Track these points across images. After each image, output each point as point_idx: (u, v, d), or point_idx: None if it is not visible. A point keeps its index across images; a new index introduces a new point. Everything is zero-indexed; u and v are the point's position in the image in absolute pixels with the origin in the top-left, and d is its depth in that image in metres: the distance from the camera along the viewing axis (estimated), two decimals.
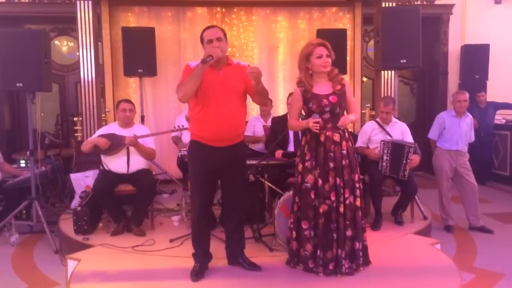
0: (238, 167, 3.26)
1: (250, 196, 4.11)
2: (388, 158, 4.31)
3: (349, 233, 3.16)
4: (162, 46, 6.50)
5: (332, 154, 3.15)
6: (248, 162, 3.95)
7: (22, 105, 7.35)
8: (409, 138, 4.49)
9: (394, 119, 4.61)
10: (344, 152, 3.18)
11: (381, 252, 3.59)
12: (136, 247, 3.80)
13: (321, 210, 3.15)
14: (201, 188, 3.19)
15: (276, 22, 6.93)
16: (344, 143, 3.19)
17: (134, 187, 4.30)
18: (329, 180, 3.15)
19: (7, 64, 4.52)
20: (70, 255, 3.62)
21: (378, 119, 4.63)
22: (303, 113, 3.34)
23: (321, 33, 6.00)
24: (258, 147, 5.69)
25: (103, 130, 4.48)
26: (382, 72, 5.95)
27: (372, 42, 7.28)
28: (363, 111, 6.27)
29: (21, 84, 4.52)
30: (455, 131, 4.77)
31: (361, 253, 3.24)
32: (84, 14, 5.64)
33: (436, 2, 7.68)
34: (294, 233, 3.27)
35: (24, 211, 5.01)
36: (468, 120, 4.83)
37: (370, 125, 4.63)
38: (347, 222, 3.15)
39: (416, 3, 7.59)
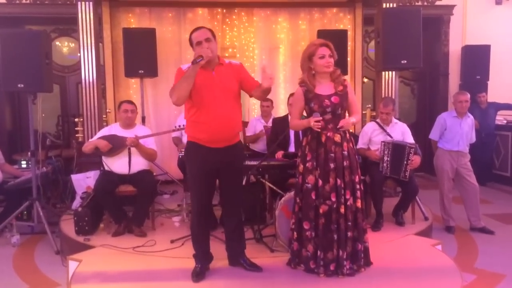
0: (236, 168, 3.26)
1: (250, 196, 4.12)
2: (388, 159, 4.31)
3: (350, 234, 3.16)
4: (163, 47, 6.51)
5: (332, 155, 3.15)
6: (249, 163, 3.96)
7: (23, 105, 7.35)
8: (409, 139, 4.49)
9: (394, 120, 4.61)
10: (345, 153, 3.18)
11: (382, 253, 3.59)
12: (137, 248, 3.80)
13: (321, 211, 3.15)
14: (200, 190, 3.19)
15: (276, 23, 6.94)
16: (345, 144, 3.19)
17: (135, 188, 4.30)
18: (330, 181, 3.14)
19: (8, 65, 4.52)
20: (71, 256, 3.61)
21: (378, 120, 4.63)
22: (305, 114, 3.34)
23: (321, 34, 6.00)
24: (259, 147, 5.71)
25: (104, 131, 4.49)
26: (383, 72, 5.94)
27: (372, 43, 7.30)
28: (363, 112, 6.27)
29: (22, 85, 4.53)
30: (456, 131, 4.77)
31: (362, 254, 3.24)
32: (85, 15, 5.64)
33: (437, 3, 7.68)
34: (295, 233, 3.28)
35: (25, 212, 5.02)
36: (469, 121, 4.83)
37: (371, 126, 4.63)
38: (349, 223, 3.15)
39: (416, 3, 7.59)
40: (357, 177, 3.22)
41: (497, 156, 7.33)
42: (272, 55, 6.96)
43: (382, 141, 4.38)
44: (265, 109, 5.80)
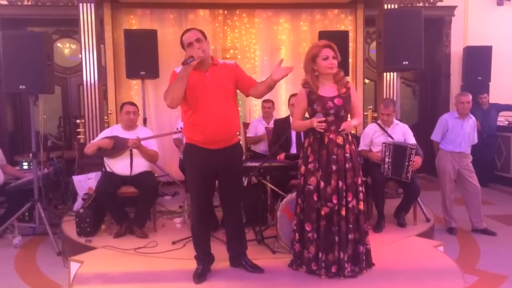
0: (235, 169, 3.24)
1: (252, 198, 4.12)
2: (390, 160, 4.30)
3: (351, 236, 3.16)
4: (165, 48, 6.52)
5: (335, 156, 3.14)
6: (250, 164, 3.97)
7: (25, 107, 7.36)
8: (411, 139, 4.49)
9: (395, 121, 4.61)
10: (347, 155, 3.17)
11: (384, 254, 3.58)
12: (138, 249, 3.80)
13: (322, 213, 3.15)
14: (199, 191, 3.18)
15: (278, 24, 6.94)
16: (347, 146, 3.19)
17: (137, 189, 4.30)
18: (331, 183, 3.14)
19: (10, 66, 4.53)
20: (72, 257, 3.61)
21: (379, 122, 4.63)
22: (307, 115, 3.34)
23: (323, 35, 6.00)
24: (260, 148, 5.71)
25: (106, 133, 4.49)
26: (384, 74, 5.94)
27: (374, 44, 7.28)
28: (365, 113, 6.27)
29: (24, 87, 4.54)
30: (458, 133, 4.76)
31: (364, 257, 3.23)
32: (87, 16, 5.65)
33: (438, 4, 7.68)
34: (297, 235, 3.27)
35: (26, 213, 5.03)
36: (471, 122, 4.82)
37: (372, 128, 4.62)
38: (350, 226, 3.14)
39: (418, 5, 7.59)
40: (359, 179, 3.22)
41: (499, 157, 7.32)
42: (274, 56, 6.96)
43: (383, 143, 4.38)
44: (267, 110, 5.81)
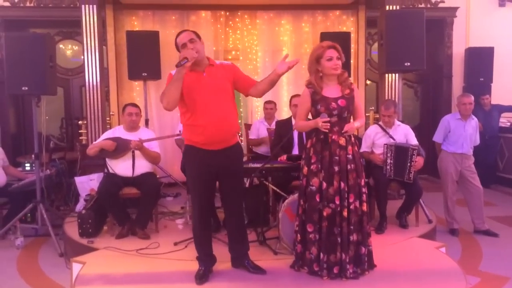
0: (235, 169, 3.24)
1: (254, 199, 4.12)
2: (392, 161, 4.30)
3: (354, 238, 3.15)
4: (167, 50, 6.52)
5: (337, 157, 3.14)
6: (252, 165, 3.97)
7: (27, 108, 7.37)
8: (413, 140, 4.48)
9: (397, 122, 4.60)
10: (350, 156, 3.17)
11: (386, 255, 3.58)
12: (140, 250, 3.80)
13: (324, 214, 3.15)
14: (200, 192, 3.18)
15: (280, 25, 6.95)
16: (350, 147, 3.18)
17: (139, 190, 4.31)
18: (334, 184, 3.14)
19: (12, 68, 4.54)
20: (75, 258, 3.62)
21: (381, 123, 4.63)
22: (310, 116, 3.34)
23: (325, 36, 6.01)
24: (262, 150, 5.71)
25: (108, 134, 4.50)
26: (386, 75, 5.93)
27: (376, 45, 7.30)
28: (367, 114, 6.26)
29: (26, 88, 4.54)
30: (460, 134, 4.76)
31: (366, 258, 3.23)
32: (89, 18, 5.66)
33: (440, 5, 7.67)
34: (299, 236, 3.27)
35: (29, 214, 5.04)
36: (473, 123, 4.82)
37: (373, 129, 4.62)
38: (352, 227, 3.14)
39: (420, 6, 7.59)
40: (362, 180, 3.21)
41: (501, 159, 7.31)
42: (275, 58, 6.94)
43: (385, 144, 4.37)
44: (269, 111, 5.81)
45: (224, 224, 4.01)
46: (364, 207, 3.20)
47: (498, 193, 6.94)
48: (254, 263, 3.33)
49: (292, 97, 4.91)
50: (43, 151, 5.05)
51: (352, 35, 6.68)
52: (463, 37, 7.82)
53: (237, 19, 6.93)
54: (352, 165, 3.17)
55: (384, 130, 4.53)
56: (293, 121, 4.62)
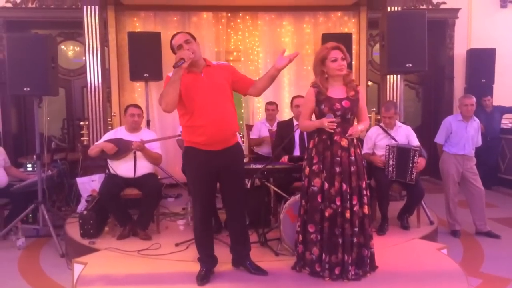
0: (236, 170, 3.23)
1: (255, 200, 4.12)
2: (394, 163, 4.30)
3: (356, 240, 3.15)
4: (168, 51, 6.39)
5: (338, 158, 3.14)
6: (253, 166, 3.96)
7: (29, 109, 7.39)
8: (415, 141, 4.48)
9: (398, 123, 4.60)
10: (352, 158, 3.16)
11: (387, 257, 3.57)
12: (142, 251, 3.80)
13: (326, 214, 3.15)
14: (200, 194, 3.18)
15: (281, 26, 6.94)
16: (352, 149, 3.18)
17: (140, 191, 4.31)
18: (335, 185, 3.14)
19: (14, 68, 4.55)
20: (76, 259, 3.62)
21: (382, 124, 4.62)
22: (313, 117, 3.34)
23: (326, 37, 6.00)
24: (264, 151, 5.71)
25: (110, 134, 4.51)
26: (388, 76, 5.93)
27: (377, 46, 7.28)
28: (368, 115, 6.25)
29: (28, 89, 4.56)
30: (462, 135, 4.75)
31: (368, 260, 3.23)
32: (91, 19, 5.67)
33: (442, 6, 7.67)
34: (300, 236, 3.27)
35: (30, 215, 5.04)
36: (475, 124, 4.82)
37: (375, 131, 4.61)
38: (355, 229, 3.14)
39: (421, 7, 7.58)
40: (364, 182, 3.21)
41: (503, 160, 7.30)
42: None
43: (386, 145, 4.37)
44: (270, 112, 5.81)
45: (226, 225, 4.01)
46: (366, 210, 3.20)
47: (499, 194, 6.93)
48: (255, 264, 3.33)
49: (293, 98, 4.91)
50: (45, 152, 5.05)
51: (354, 36, 6.68)
52: (465, 38, 7.81)
53: (238, 20, 6.94)
54: (354, 167, 3.16)
55: (386, 132, 4.53)
56: (295, 122, 4.62)
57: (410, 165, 4.20)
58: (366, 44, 6.87)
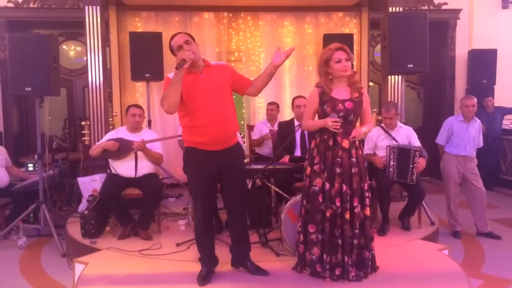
0: (236, 170, 3.23)
1: (256, 200, 4.12)
2: (395, 163, 4.30)
3: (357, 241, 3.15)
4: (169, 51, 6.52)
5: (339, 159, 3.14)
6: (255, 166, 3.97)
7: (30, 109, 7.40)
8: (416, 142, 4.48)
9: (399, 124, 4.60)
10: (354, 159, 3.16)
11: (388, 257, 3.57)
12: (142, 251, 3.81)
13: (327, 214, 3.15)
14: (201, 194, 3.18)
15: (282, 27, 6.95)
16: (353, 151, 3.17)
17: (141, 191, 4.32)
18: (335, 186, 3.13)
19: (16, 68, 4.56)
20: (77, 258, 3.62)
21: (383, 125, 4.62)
22: (316, 117, 3.34)
23: (327, 38, 6.01)
24: (265, 151, 5.71)
25: (111, 135, 4.51)
26: (389, 77, 5.93)
27: (378, 47, 7.29)
28: None
29: (29, 89, 4.56)
30: (463, 136, 4.75)
31: (369, 262, 3.22)
32: (92, 19, 5.67)
33: (443, 7, 7.67)
34: (301, 236, 3.27)
35: (31, 215, 5.05)
36: (476, 125, 4.81)
37: (376, 132, 4.61)
38: (355, 231, 3.13)
39: (423, 8, 7.58)
40: (365, 184, 3.20)
41: (504, 161, 7.29)
42: None
43: (387, 146, 4.37)
44: (271, 112, 5.81)
45: (227, 225, 4.01)
46: (367, 211, 3.19)
47: (500, 195, 6.92)
48: (256, 265, 3.33)
49: (295, 98, 4.91)
50: (46, 152, 5.06)
51: (355, 37, 6.69)
52: (466, 39, 7.81)
53: (240, 21, 6.94)
54: (356, 169, 3.16)
55: (387, 132, 4.53)
56: (296, 123, 4.62)
57: (411, 166, 4.20)
58: (367, 45, 6.87)
